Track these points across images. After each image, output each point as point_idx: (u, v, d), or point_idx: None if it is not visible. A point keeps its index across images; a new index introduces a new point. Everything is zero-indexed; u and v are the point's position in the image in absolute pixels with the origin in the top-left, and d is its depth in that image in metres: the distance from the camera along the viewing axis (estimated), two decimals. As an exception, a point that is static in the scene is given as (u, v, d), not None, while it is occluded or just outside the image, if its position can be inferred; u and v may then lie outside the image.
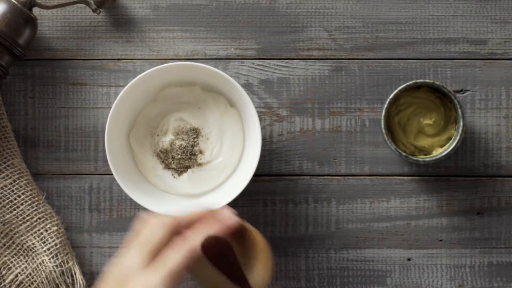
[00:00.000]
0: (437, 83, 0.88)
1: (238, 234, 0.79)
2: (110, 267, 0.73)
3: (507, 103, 0.94)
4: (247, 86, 0.94)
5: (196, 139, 0.91)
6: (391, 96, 0.88)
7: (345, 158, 0.94)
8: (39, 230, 0.91)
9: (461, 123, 0.88)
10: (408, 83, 0.88)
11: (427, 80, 0.88)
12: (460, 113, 0.88)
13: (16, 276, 0.90)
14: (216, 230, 0.73)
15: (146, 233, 0.73)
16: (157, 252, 0.72)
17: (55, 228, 0.91)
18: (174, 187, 0.91)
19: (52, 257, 0.90)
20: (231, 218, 0.74)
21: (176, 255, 0.71)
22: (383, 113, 0.88)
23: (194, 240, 0.72)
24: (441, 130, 0.90)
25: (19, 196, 0.91)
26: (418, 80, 0.88)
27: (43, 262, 0.90)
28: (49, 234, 0.91)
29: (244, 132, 0.91)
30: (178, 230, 0.73)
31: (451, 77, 0.94)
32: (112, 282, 0.71)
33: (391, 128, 0.90)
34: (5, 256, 0.90)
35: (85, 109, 0.94)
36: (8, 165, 0.91)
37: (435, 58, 0.94)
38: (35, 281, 0.90)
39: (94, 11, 0.92)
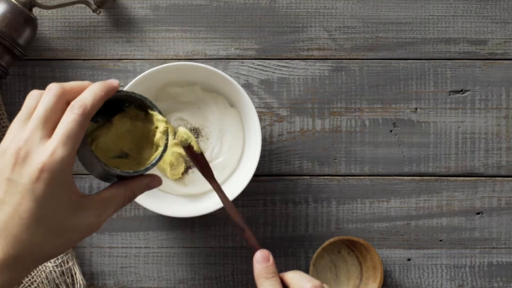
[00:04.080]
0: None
1: (364, 251, 0.88)
2: (2, 145, 0.72)
3: (507, 103, 0.94)
4: (247, 86, 0.94)
5: (196, 139, 0.91)
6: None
7: (345, 158, 0.94)
8: (39, 230, 0.91)
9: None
10: None
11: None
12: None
13: (16, 276, 0.90)
14: (102, 89, 0.73)
15: (38, 105, 0.72)
16: (52, 121, 0.71)
17: (55, 228, 0.91)
18: (174, 187, 0.91)
19: (52, 257, 0.90)
20: (115, 81, 0.74)
21: (70, 117, 0.70)
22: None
23: (85, 99, 0.71)
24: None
25: (19, 196, 0.91)
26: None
27: (43, 262, 0.90)
28: (49, 234, 0.91)
29: (244, 132, 0.91)
30: (69, 98, 0.72)
31: (451, 77, 0.94)
32: (12, 158, 0.70)
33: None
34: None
35: (85, 109, 0.94)
36: (8, 165, 0.91)
37: (435, 58, 0.94)
38: (35, 281, 0.90)
39: (94, 11, 0.92)
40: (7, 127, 0.92)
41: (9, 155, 0.71)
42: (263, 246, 0.93)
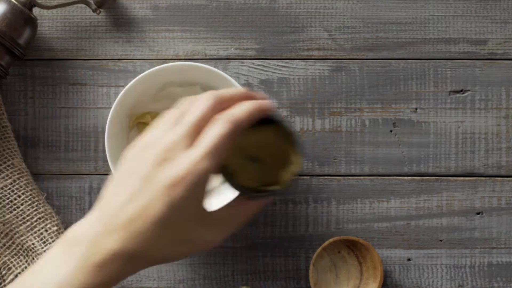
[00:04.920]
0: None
1: (364, 251, 0.87)
2: (146, 140, 0.71)
3: (507, 103, 0.94)
4: (247, 86, 0.94)
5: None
6: None
7: (345, 158, 0.94)
8: (39, 230, 0.91)
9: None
10: None
11: None
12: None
13: (16, 276, 0.90)
14: (258, 110, 0.72)
15: (192, 111, 0.71)
16: (200, 130, 0.70)
17: (55, 228, 0.91)
18: (174, 187, 0.91)
19: (52, 257, 0.90)
20: (271, 103, 0.73)
21: (219, 129, 0.69)
22: None
23: (236, 113, 0.70)
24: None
25: (19, 196, 0.91)
26: None
27: (43, 262, 0.90)
28: (49, 234, 0.91)
29: (244, 132, 0.91)
30: (219, 107, 0.71)
31: (451, 77, 0.94)
32: (153, 157, 0.70)
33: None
34: (5, 256, 0.90)
35: (85, 109, 0.94)
36: (8, 165, 0.91)
37: (435, 58, 0.94)
38: (35, 281, 0.90)
39: (94, 11, 0.92)
40: (7, 127, 0.92)
41: (150, 153, 0.70)
42: (263, 246, 0.93)
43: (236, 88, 0.88)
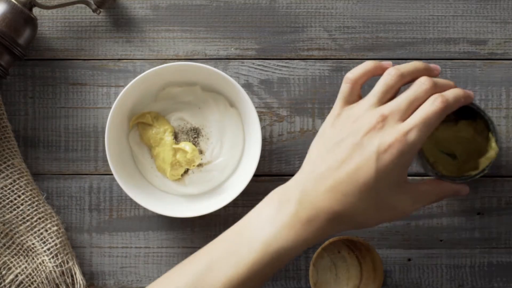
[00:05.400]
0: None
1: (364, 251, 0.90)
2: (354, 112, 0.78)
3: (507, 103, 0.94)
4: (247, 86, 0.94)
5: (196, 139, 0.91)
6: None
7: (345, 158, 0.94)
8: (39, 230, 0.91)
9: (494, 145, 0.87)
10: None
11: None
12: (493, 139, 0.87)
13: (16, 276, 0.90)
14: (464, 96, 0.80)
15: (411, 92, 0.78)
16: (413, 110, 0.77)
17: (55, 228, 0.91)
18: (174, 187, 0.91)
19: (52, 257, 0.90)
20: (472, 94, 0.82)
21: (432, 107, 0.76)
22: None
23: (448, 97, 0.77)
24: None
25: (19, 196, 0.91)
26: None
27: (43, 262, 0.90)
28: (49, 234, 0.91)
29: (244, 132, 0.91)
30: (433, 91, 0.79)
31: (451, 77, 0.94)
32: (366, 125, 0.76)
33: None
34: (5, 256, 0.90)
35: (85, 109, 0.94)
36: (8, 165, 0.91)
37: (435, 58, 0.94)
38: (35, 281, 0.90)
39: (94, 11, 0.92)
40: (7, 127, 0.92)
41: (361, 123, 0.77)
42: (263, 246, 0.93)
43: (233, 84, 0.88)
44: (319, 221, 0.76)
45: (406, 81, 0.80)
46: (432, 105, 0.77)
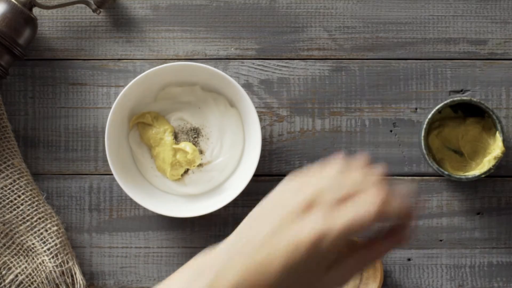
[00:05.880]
0: (474, 100, 0.88)
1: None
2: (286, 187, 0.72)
3: (507, 103, 0.94)
4: (247, 86, 0.94)
5: (196, 139, 0.91)
6: (429, 117, 0.89)
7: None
8: (39, 230, 0.91)
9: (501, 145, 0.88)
10: (445, 102, 0.88)
11: (464, 98, 0.89)
12: (501, 138, 0.88)
13: (16, 276, 0.90)
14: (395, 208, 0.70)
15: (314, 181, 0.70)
16: (351, 195, 0.69)
17: (55, 228, 0.91)
18: (174, 187, 0.91)
19: (52, 257, 0.90)
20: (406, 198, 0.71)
21: (363, 210, 0.68)
22: (422, 133, 0.89)
23: (368, 205, 0.69)
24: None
25: (19, 196, 0.91)
26: (455, 98, 0.89)
27: (43, 262, 0.90)
28: (49, 234, 0.91)
29: (244, 132, 0.91)
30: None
31: (451, 77, 0.94)
32: (303, 200, 0.69)
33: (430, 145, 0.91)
34: (5, 256, 0.90)
35: (85, 109, 0.94)
36: (8, 165, 0.91)
37: (435, 58, 0.94)
38: (35, 281, 0.90)
39: (94, 11, 0.92)
40: (7, 127, 0.92)
41: (301, 199, 0.70)
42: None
43: (233, 84, 0.88)
44: None
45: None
46: (361, 211, 0.68)
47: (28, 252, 0.91)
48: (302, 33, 0.94)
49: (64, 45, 0.94)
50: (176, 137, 0.91)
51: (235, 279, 0.69)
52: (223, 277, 0.70)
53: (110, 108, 0.90)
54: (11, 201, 0.91)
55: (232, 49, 0.94)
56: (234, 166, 0.92)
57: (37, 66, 0.94)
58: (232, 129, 0.91)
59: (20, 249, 0.91)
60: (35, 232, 0.91)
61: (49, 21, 0.94)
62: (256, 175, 0.93)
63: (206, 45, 0.94)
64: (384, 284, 0.94)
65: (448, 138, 0.91)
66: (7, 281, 0.90)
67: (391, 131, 0.94)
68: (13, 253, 0.91)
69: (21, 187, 0.91)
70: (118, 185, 0.92)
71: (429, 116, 0.89)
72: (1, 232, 0.90)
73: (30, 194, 0.91)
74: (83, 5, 0.94)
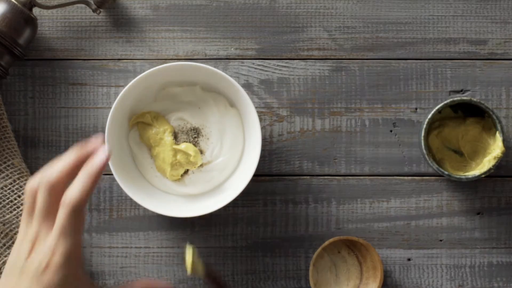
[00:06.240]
0: (474, 100, 0.88)
1: (364, 251, 0.90)
2: (20, 238, 0.76)
3: (507, 103, 0.94)
4: (247, 86, 0.94)
5: (196, 139, 0.91)
6: (429, 117, 0.89)
7: (345, 158, 0.94)
8: (39, 230, 0.91)
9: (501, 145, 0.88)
10: (445, 102, 0.88)
11: (464, 98, 0.89)
12: (501, 138, 0.88)
13: (16, 276, 0.90)
14: (89, 179, 0.75)
15: (37, 202, 0.76)
16: (53, 214, 0.75)
17: (55, 228, 0.91)
18: (174, 188, 0.91)
19: (52, 257, 0.90)
20: (100, 158, 0.76)
21: (62, 212, 0.74)
22: (422, 133, 0.89)
23: (72, 194, 0.74)
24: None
25: (19, 196, 0.91)
26: (455, 98, 0.89)
27: (43, 262, 0.90)
28: (49, 234, 0.91)
29: (244, 132, 0.91)
30: (61, 187, 0.76)
31: (451, 77, 0.94)
32: (25, 251, 0.75)
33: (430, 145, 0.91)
34: (5, 256, 0.90)
35: (85, 109, 0.94)
36: (8, 165, 0.91)
37: (435, 58, 0.94)
38: (35, 281, 0.90)
39: (94, 11, 0.92)
40: (7, 127, 0.92)
41: (23, 246, 0.75)
42: (263, 246, 0.93)
43: (233, 84, 0.88)
44: None
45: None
46: (62, 210, 0.74)
47: (28, 252, 0.91)
48: (302, 33, 0.94)
49: (64, 45, 0.94)
50: (176, 137, 0.91)
51: None
52: None
53: (110, 108, 0.90)
54: (11, 201, 0.91)
55: (232, 49, 0.94)
56: (234, 166, 0.92)
57: (37, 66, 0.94)
58: (232, 129, 0.91)
59: (20, 249, 0.91)
60: (35, 232, 0.91)
61: (49, 21, 0.94)
62: (256, 175, 0.93)
63: (206, 45, 0.94)
64: (384, 284, 0.94)
65: (448, 138, 0.91)
66: (7, 281, 0.90)
67: (391, 131, 0.94)
68: (13, 253, 0.91)
69: (21, 187, 0.91)
70: (118, 185, 0.92)
71: (429, 116, 0.89)
72: (1, 232, 0.90)
73: (30, 194, 0.91)
74: (83, 5, 0.94)
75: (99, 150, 0.76)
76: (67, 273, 0.74)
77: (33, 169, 0.94)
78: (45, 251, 0.74)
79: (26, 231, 0.76)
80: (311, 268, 0.89)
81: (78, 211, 0.74)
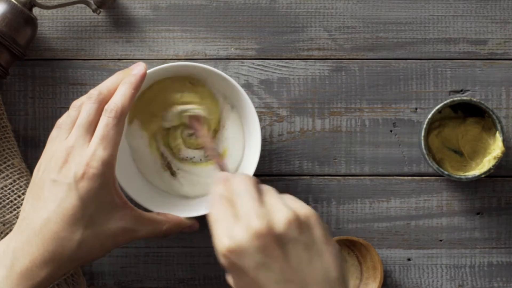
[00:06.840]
0: (474, 100, 0.88)
1: (364, 251, 0.90)
2: (49, 151, 0.78)
3: (507, 103, 0.94)
4: (247, 86, 0.94)
5: (196, 139, 0.91)
6: (429, 117, 0.89)
7: (345, 158, 0.94)
8: (39, 230, 0.91)
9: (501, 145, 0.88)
10: (445, 102, 0.88)
11: (464, 98, 0.89)
12: (501, 138, 0.88)
13: (16, 276, 0.90)
14: (131, 87, 0.79)
15: (81, 113, 0.78)
16: (93, 127, 0.78)
17: (55, 228, 0.91)
18: (173, 187, 0.91)
19: (52, 257, 0.90)
20: (140, 69, 0.81)
21: (104, 120, 0.77)
22: (422, 133, 0.89)
23: (116, 102, 0.78)
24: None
25: (19, 196, 0.91)
26: (455, 98, 0.89)
27: (43, 262, 0.90)
28: (49, 234, 0.91)
29: (244, 132, 0.91)
30: (104, 100, 0.79)
31: (451, 77, 0.94)
32: (58, 162, 0.76)
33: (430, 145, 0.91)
34: (5, 256, 0.90)
35: (85, 109, 0.94)
36: (8, 165, 0.91)
37: (435, 58, 0.94)
38: (35, 281, 0.90)
39: (94, 11, 0.92)
40: (7, 127, 0.92)
41: (55, 160, 0.76)
42: (263, 246, 0.93)
43: (233, 84, 0.88)
44: (35, 271, 0.74)
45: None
46: (104, 118, 0.77)
47: (28, 252, 0.91)
48: (302, 33, 0.94)
49: (64, 45, 0.94)
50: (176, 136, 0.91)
51: (32, 251, 0.74)
52: (21, 254, 0.74)
53: (110, 108, 0.90)
54: (11, 201, 0.91)
55: (232, 49, 0.94)
56: (234, 167, 0.91)
57: (37, 66, 0.94)
58: (232, 130, 0.91)
59: (20, 249, 0.91)
60: (35, 232, 0.91)
61: (49, 21, 0.94)
62: (256, 175, 0.93)
63: (206, 45, 0.94)
64: (384, 284, 0.94)
65: (448, 138, 0.91)
66: (7, 281, 0.90)
67: (391, 131, 0.94)
68: (13, 253, 0.91)
69: (21, 187, 0.91)
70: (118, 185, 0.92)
71: (429, 116, 0.89)
72: (1, 232, 0.90)
73: (30, 194, 0.91)
74: (83, 5, 0.94)
75: (137, 64, 0.81)
76: (105, 182, 0.75)
77: (33, 169, 0.93)
78: (82, 160, 0.75)
79: (60, 142, 0.77)
80: None
81: (119, 119, 0.76)
